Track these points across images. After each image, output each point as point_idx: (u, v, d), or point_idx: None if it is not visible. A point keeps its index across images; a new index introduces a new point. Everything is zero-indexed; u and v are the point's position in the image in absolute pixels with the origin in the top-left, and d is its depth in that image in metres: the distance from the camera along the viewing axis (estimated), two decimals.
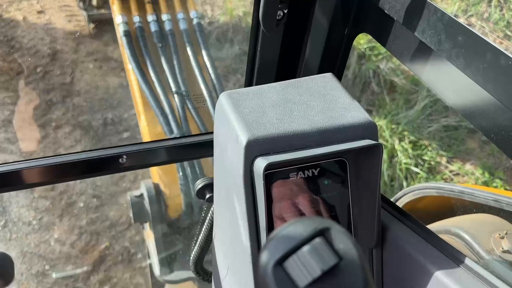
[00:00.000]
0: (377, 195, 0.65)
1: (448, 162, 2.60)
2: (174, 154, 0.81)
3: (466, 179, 2.55)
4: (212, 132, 0.84)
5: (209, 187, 0.96)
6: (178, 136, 1.38)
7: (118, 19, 1.68)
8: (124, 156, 0.79)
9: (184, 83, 1.51)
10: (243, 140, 0.61)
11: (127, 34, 1.53)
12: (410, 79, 2.88)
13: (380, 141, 2.76)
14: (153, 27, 1.58)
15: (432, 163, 2.60)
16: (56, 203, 2.89)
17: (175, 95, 1.48)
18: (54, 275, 2.52)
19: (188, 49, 1.57)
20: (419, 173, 2.54)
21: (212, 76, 1.51)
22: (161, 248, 1.46)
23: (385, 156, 2.71)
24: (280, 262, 0.29)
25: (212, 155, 0.76)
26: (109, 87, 3.50)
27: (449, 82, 0.58)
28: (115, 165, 0.78)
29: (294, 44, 0.79)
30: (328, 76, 0.72)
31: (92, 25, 3.45)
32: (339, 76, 0.83)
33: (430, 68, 0.61)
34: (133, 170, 0.89)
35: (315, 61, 0.80)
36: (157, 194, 1.45)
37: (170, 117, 1.42)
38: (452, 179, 2.55)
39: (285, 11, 0.71)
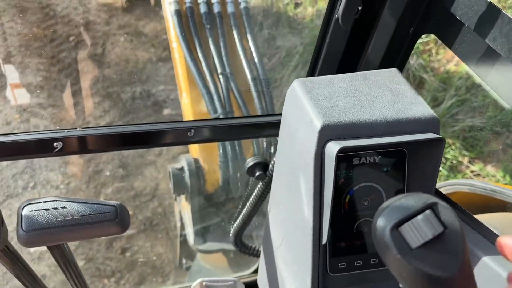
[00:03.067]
0: (433, 186, 0.71)
1: (469, 162, 2.64)
2: (237, 132, 0.87)
3: (486, 181, 2.58)
4: (274, 115, 0.90)
5: (258, 165, 1.03)
6: (221, 116, 1.45)
7: None
8: (192, 130, 0.86)
9: (229, 64, 1.56)
10: (318, 124, 0.67)
11: (177, 13, 1.59)
12: (438, 77, 2.90)
13: None
14: (202, 8, 1.63)
15: (454, 162, 2.63)
16: (83, 169, 2.99)
17: (220, 76, 1.53)
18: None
19: (235, 32, 1.63)
20: (440, 171, 2.58)
21: (256, 59, 1.56)
22: (197, 219, 1.54)
23: None
24: (396, 227, 0.36)
25: (273, 135, 0.83)
26: (138, 61, 3.55)
27: None
28: (184, 137, 0.85)
29: (360, 38, 0.85)
30: (394, 71, 0.78)
31: None
32: None
33: (496, 73, 0.66)
34: (200, 143, 0.96)
35: (378, 56, 0.85)
36: (197, 169, 1.52)
37: (215, 97, 1.48)
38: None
39: (359, 8, 0.76)
